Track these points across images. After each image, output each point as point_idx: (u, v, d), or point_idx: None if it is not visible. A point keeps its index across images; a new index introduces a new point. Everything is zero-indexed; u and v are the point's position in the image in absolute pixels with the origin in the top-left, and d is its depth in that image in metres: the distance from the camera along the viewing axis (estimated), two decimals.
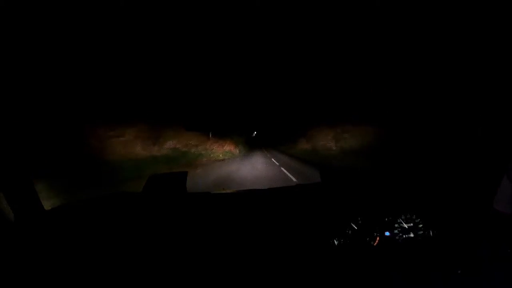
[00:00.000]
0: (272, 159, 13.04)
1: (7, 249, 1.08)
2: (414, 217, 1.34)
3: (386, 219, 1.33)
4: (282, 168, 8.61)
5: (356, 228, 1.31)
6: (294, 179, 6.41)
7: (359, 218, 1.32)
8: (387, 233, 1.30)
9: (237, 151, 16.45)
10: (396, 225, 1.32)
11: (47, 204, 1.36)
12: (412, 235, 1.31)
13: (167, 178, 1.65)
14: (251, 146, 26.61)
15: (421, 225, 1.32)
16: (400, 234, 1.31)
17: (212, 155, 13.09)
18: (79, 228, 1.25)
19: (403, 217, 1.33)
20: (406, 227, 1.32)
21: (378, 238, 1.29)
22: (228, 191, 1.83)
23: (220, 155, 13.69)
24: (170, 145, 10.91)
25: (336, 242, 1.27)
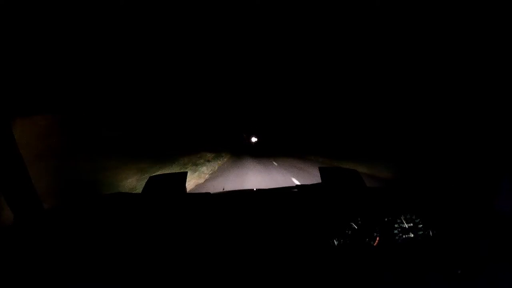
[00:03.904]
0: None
1: (7, 249, 1.08)
2: (414, 217, 1.34)
3: (386, 219, 1.33)
4: None
5: (356, 228, 1.31)
6: None
7: (359, 218, 1.32)
8: (387, 233, 1.30)
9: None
10: (396, 225, 1.32)
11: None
12: (412, 235, 1.31)
13: (167, 179, 1.65)
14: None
15: (421, 225, 1.32)
16: (400, 234, 1.31)
17: None
18: (79, 228, 1.25)
19: (403, 217, 1.33)
20: (406, 227, 1.32)
21: (378, 238, 1.29)
22: (228, 191, 1.83)
23: None
24: None
25: (336, 242, 1.27)
